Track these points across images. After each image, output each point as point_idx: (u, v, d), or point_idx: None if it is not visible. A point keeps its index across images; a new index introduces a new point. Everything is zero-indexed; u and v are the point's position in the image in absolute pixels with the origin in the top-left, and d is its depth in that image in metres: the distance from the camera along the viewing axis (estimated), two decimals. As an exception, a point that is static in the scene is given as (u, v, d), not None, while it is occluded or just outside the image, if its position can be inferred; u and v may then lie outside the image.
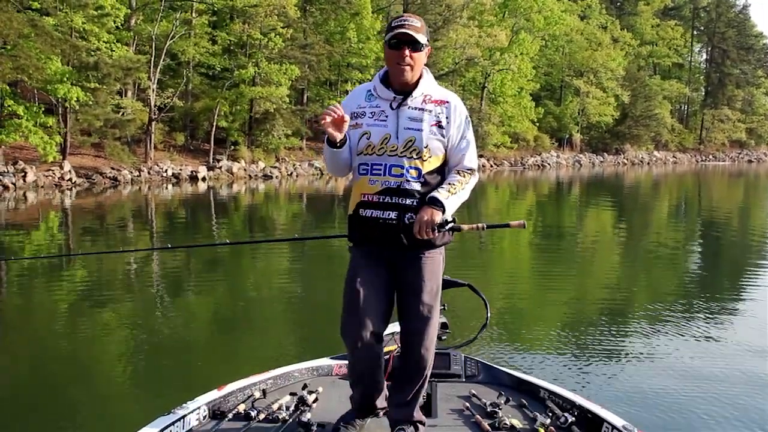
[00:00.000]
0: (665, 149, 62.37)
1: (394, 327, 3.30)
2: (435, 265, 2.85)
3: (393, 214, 2.75)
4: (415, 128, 2.75)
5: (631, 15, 66.38)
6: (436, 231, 2.70)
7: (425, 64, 2.85)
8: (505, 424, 2.94)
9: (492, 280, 9.87)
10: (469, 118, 2.87)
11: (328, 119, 2.70)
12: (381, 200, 2.77)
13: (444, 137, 2.79)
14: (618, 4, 67.78)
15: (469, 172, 2.84)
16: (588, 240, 15.26)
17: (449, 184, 2.78)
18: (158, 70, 28.72)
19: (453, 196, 2.76)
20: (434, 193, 2.73)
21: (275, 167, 32.17)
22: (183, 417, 2.86)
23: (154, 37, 28.26)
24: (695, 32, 71.94)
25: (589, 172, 45.70)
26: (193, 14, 30.43)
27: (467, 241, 12.89)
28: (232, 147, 31.70)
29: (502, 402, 3.18)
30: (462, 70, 42.63)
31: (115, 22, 26.55)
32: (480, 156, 42.06)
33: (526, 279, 10.68)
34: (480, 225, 2.92)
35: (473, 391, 3.34)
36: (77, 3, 24.67)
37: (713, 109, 68.03)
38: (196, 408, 2.96)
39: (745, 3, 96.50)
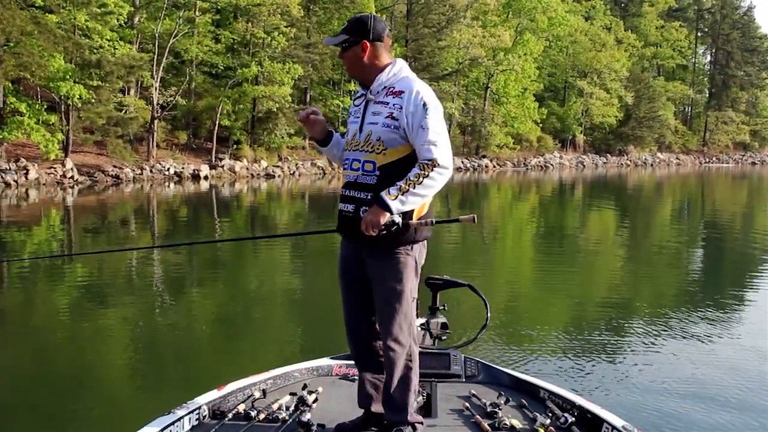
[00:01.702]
0: (669, 151, 62.31)
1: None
2: (399, 263, 2.79)
3: (350, 207, 2.82)
4: (374, 122, 2.80)
5: (635, 16, 66.31)
6: (383, 231, 2.69)
7: (411, 59, 2.92)
8: (505, 424, 2.93)
9: (492, 280, 9.86)
10: (429, 105, 2.72)
11: (302, 117, 3.00)
12: (344, 193, 2.88)
13: (398, 128, 2.74)
14: (622, 5, 67.70)
15: (428, 163, 2.69)
16: (590, 241, 15.24)
17: (405, 180, 2.69)
18: (161, 68, 28.74)
19: (404, 194, 2.67)
20: (383, 192, 2.68)
21: (278, 166, 32.19)
22: (183, 417, 2.86)
23: (157, 35, 28.28)
24: (699, 34, 71.84)
25: (592, 173, 45.65)
26: (197, 13, 30.44)
27: (468, 240, 12.89)
28: (235, 146, 31.74)
29: (502, 402, 3.17)
30: (465, 70, 42.61)
31: (118, 20, 26.56)
32: (483, 156, 42.75)
33: (527, 279, 10.66)
34: (429, 220, 2.84)
35: (473, 391, 3.33)
36: (80, 0, 24.67)
37: (717, 111, 67.89)
38: (196, 408, 2.96)
39: (749, 5, 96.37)
